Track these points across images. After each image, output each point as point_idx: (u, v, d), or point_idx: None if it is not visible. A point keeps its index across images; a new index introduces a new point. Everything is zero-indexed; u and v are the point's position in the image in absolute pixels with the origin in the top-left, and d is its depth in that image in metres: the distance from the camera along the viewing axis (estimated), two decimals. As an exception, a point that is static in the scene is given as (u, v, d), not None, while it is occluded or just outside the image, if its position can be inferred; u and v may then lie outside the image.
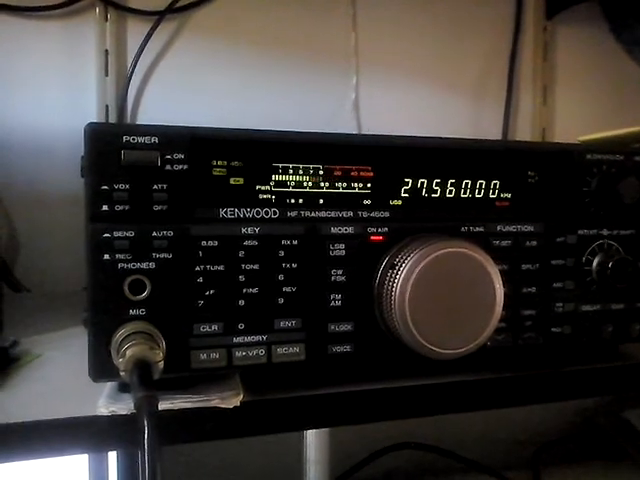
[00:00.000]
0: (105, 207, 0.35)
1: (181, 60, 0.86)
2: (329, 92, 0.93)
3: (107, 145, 0.35)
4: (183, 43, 0.86)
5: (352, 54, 0.94)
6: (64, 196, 0.78)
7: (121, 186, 0.35)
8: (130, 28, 0.84)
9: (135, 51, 0.83)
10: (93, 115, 0.81)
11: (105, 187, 0.35)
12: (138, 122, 0.85)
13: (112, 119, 0.82)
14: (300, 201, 0.40)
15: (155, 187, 0.36)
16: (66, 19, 0.82)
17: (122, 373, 0.33)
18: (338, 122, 0.92)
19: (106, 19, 0.82)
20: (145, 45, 0.83)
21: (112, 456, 0.59)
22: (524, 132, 1.02)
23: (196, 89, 0.86)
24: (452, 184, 0.43)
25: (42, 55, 0.81)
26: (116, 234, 0.35)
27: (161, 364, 0.34)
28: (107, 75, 0.82)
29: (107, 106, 0.82)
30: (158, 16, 0.84)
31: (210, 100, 0.87)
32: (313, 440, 0.67)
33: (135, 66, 0.83)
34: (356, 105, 0.94)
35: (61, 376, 0.43)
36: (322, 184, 0.40)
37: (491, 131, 0.99)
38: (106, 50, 0.82)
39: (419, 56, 0.97)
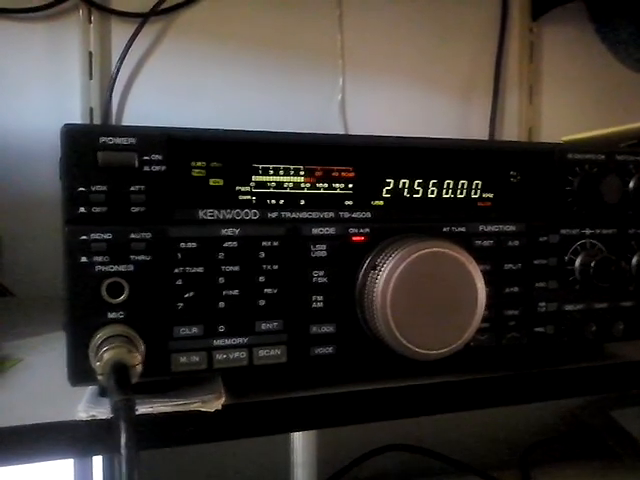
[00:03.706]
0: (82, 209, 0.35)
1: (166, 62, 0.86)
2: (315, 94, 0.93)
3: (83, 146, 0.35)
4: (167, 45, 0.86)
5: (338, 55, 0.93)
6: (49, 199, 0.77)
7: (98, 188, 0.35)
8: (114, 30, 0.84)
9: (119, 53, 0.83)
10: (77, 118, 0.81)
11: (82, 189, 0.35)
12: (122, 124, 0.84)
13: (97, 122, 0.82)
14: (281, 202, 0.39)
15: (133, 188, 0.36)
16: (50, 21, 0.81)
17: (99, 377, 0.33)
18: (325, 124, 0.92)
19: (90, 21, 0.82)
20: (129, 47, 0.83)
21: (97, 461, 0.59)
22: (511, 132, 1.02)
23: (181, 91, 0.86)
24: (434, 184, 0.43)
25: (25, 57, 0.81)
26: (93, 236, 0.35)
27: (139, 367, 0.33)
28: (91, 78, 0.82)
29: (91, 109, 0.82)
30: (142, 18, 0.83)
31: (195, 102, 0.86)
32: (300, 443, 0.66)
33: (119, 68, 0.83)
34: (342, 107, 0.94)
35: (42, 381, 0.43)
36: (303, 185, 0.40)
37: (478, 131, 0.99)
38: (90, 52, 0.82)
39: (406, 57, 0.97)
